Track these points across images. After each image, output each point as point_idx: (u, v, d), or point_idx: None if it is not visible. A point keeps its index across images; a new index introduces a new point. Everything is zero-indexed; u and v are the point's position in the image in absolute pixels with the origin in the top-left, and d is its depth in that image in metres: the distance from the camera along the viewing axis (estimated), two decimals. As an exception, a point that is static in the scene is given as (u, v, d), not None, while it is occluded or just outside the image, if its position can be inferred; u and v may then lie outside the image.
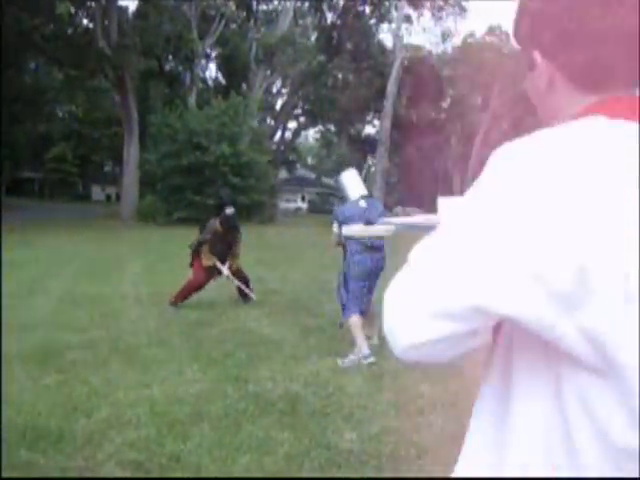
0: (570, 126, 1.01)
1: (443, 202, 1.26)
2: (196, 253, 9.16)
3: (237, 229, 9.24)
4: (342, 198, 6.94)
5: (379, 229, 2.22)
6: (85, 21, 36.79)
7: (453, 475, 1.12)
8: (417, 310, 0.99)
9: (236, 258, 9.42)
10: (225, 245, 9.18)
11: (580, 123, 1.01)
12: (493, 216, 0.96)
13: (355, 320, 6.40)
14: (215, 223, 9.00)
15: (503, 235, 0.93)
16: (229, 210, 9.10)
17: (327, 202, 60.09)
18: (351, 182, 6.69)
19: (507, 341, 1.06)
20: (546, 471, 0.97)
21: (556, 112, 1.12)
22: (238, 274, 9.49)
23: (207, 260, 9.02)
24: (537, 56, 1.11)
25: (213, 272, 9.19)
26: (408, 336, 0.99)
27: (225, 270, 9.21)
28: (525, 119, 48.71)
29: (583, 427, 0.94)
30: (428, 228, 1.14)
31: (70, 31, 35.46)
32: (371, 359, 6.19)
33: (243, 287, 9.50)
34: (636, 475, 0.92)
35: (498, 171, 0.99)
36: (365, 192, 6.66)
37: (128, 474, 3.73)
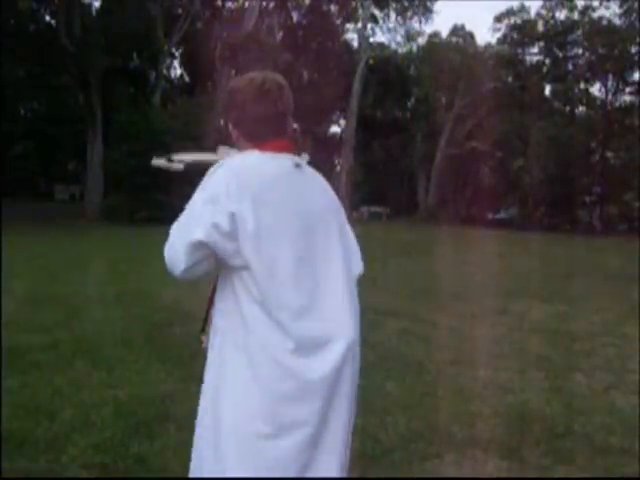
0: (243, 154, 2.24)
1: (222, 149, 2.39)
2: None
3: None
4: None
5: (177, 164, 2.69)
6: (47, 18, 36.35)
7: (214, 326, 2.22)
8: (179, 251, 2.05)
9: None
10: None
11: (247, 153, 2.23)
12: (204, 195, 2.09)
13: None
14: None
15: (206, 206, 2.05)
16: None
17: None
18: None
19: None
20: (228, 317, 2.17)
21: (242, 149, 2.29)
22: None
23: None
24: (230, 125, 2.32)
25: None
26: (180, 266, 2.06)
27: None
28: (488, 118, 49.25)
29: (245, 297, 2.08)
30: (211, 164, 2.26)
31: (32, 28, 35.01)
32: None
33: None
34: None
35: (212, 170, 2.19)
36: None
37: (93, 476, 3.70)
